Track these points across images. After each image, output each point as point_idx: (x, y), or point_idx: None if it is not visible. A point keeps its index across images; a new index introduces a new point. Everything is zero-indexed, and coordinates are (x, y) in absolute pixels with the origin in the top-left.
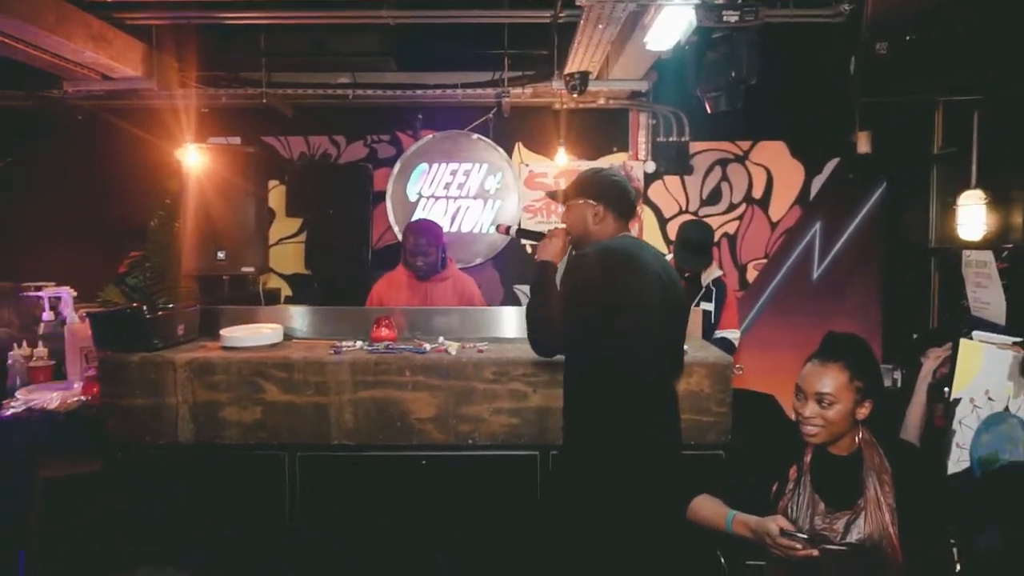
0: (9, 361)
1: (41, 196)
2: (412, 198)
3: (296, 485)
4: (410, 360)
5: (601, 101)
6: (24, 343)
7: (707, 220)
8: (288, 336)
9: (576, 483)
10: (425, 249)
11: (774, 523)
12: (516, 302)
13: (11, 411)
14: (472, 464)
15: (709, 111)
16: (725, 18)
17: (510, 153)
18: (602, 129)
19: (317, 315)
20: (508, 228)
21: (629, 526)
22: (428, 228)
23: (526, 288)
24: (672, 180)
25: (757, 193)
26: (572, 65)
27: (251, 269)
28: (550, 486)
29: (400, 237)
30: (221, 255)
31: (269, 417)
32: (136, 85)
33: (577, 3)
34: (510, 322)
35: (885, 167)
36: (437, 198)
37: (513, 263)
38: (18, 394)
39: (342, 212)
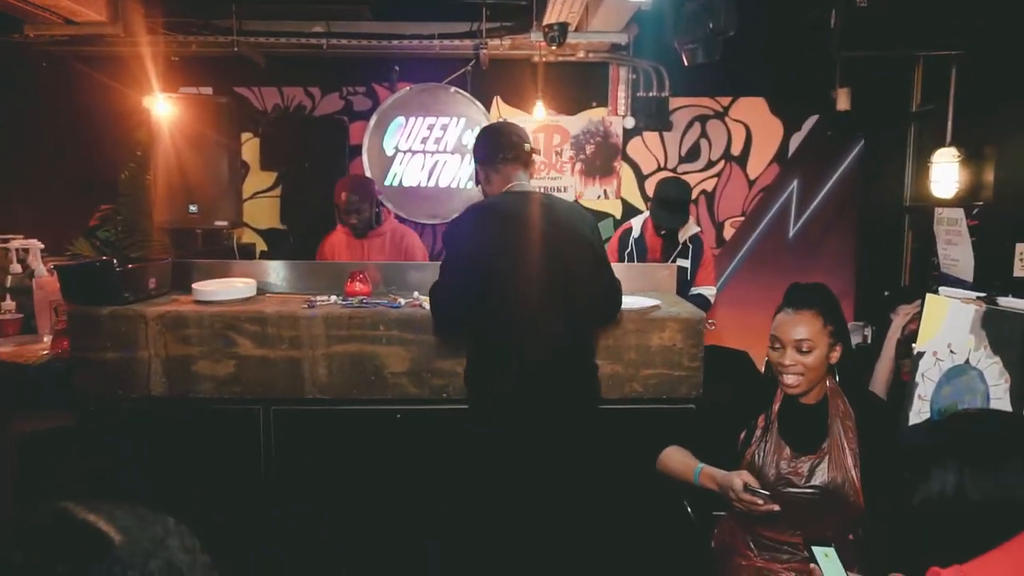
0: None
1: (5, 145)
2: (389, 152)
3: (271, 439)
4: (384, 314)
5: (580, 54)
6: None
7: (685, 177)
8: (262, 291)
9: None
10: (358, 206)
11: (738, 478)
12: None
13: None
14: (446, 417)
15: (686, 63)
16: None
17: (488, 107)
18: (581, 83)
19: (292, 270)
20: None
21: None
22: (359, 184)
23: None
24: (651, 136)
25: (736, 150)
26: (551, 16)
27: (224, 223)
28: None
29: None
30: (193, 208)
31: (243, 371)
32: (101, 30)
33: None
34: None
35: (864, 125)
36: (414, 152)
37: None
38: None
39: (317, 166)
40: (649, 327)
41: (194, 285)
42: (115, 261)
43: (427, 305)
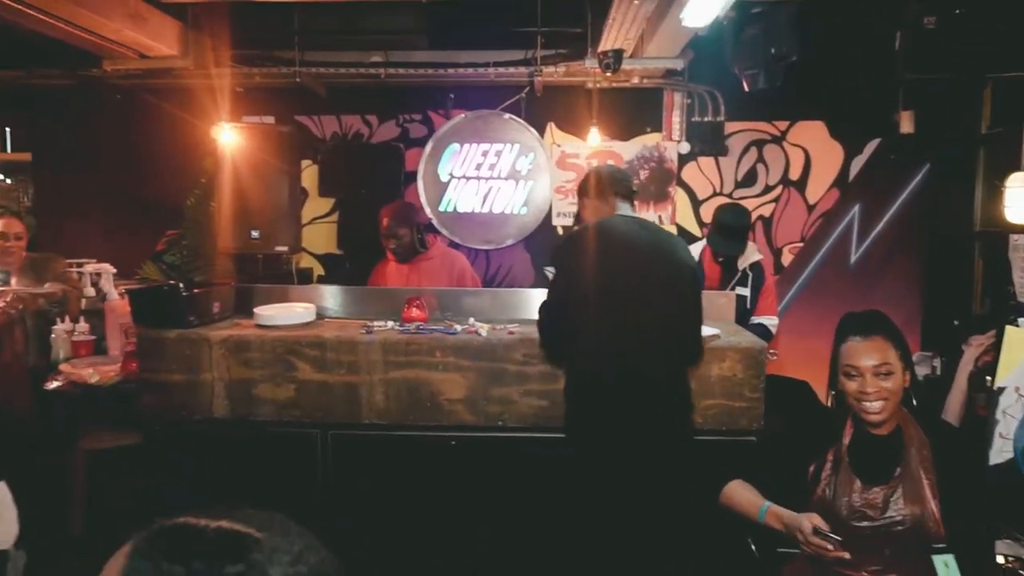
0: (52, 335)
1: (81, 174)
2: (443, 178)
3: (328, 463)
4: (441, 341)
5: (635, 80)
6: (67, 318)
7: (742, 203)
8: (320, 315)
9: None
10: (395, 231)
11: (808, 520)
12: (546, 284)
13: (55, 384)
14: (502, 445)
15: (746, 89)
16: None
17: (542, 133)
18: (635, 109)
19: (349, 295)
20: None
21: (611, 511)
22: (398, 210)
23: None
24: (706, 161)
25: (794, 175)
26: (606, 43)
27: (284, 248)
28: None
29: (432, 218)
30: (255, 234)
31: (302, 395)
32: (172, 64)
33: None
34: (539, 303)
35: (929, 148)
36: (468, 178)
37: (544, 245)
38: (61, 367)
39: (374, 192)
40: (708, 356)
41: (256, 310)
42: (181, 286)
43: (483, 332)
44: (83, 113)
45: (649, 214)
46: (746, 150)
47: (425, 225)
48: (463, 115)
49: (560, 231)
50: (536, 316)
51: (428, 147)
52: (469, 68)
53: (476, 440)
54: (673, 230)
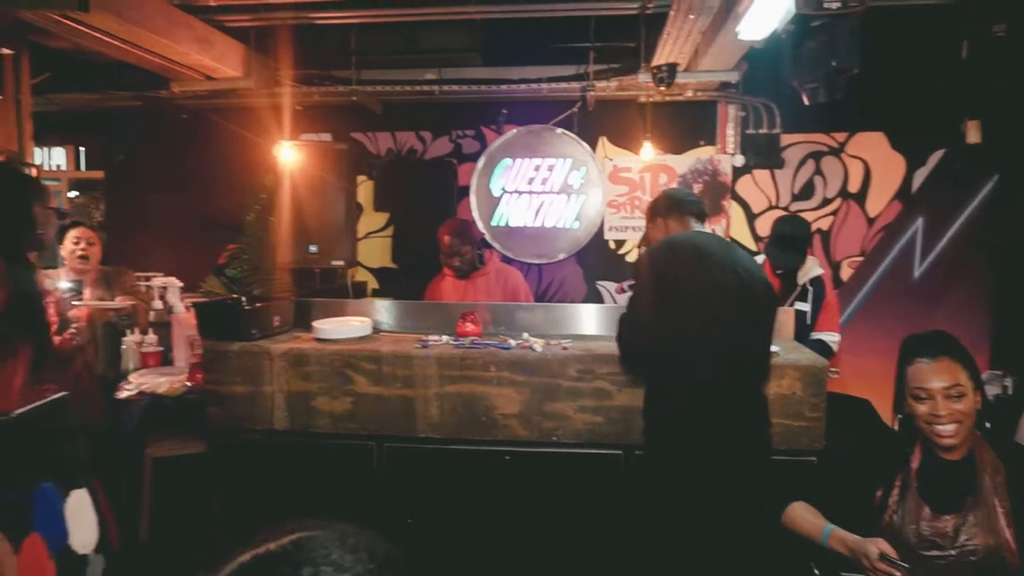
0: (123, 346)
1: (149, 191)
2: (496, 193)
3: (384, 475)
4: (495, 356)
5: (688, 93)
6: (136, 329)
7: (802, 215)
8: (376, 329)
9: (641, 485)
10: (459, 249)
11: (874, 546)
12: (599, 299)
13: (125, 393)
14: (555, 461)
15: (807, 103)
16: (826, 4)
17: (594, 147)
18: (689, 122)
19: (404, 309)
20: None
21: (686, 531)
22: (460, 227)
23: (609, 284)
24: (762, 174)
25: (853, 187)
26: (660, 57)
27: (341, 263)
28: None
29: (484, 232)
30: (313, 249)
31: (359, 408)
32: (236, 85)
33: None
34: (593, 319)
35: (997, 159)
36: (520, 193)
37: (596, 259)
38: (131, 377)
39: (428, 207)
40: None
41: (314, 323)
42: (244, 300)
43: (537, 347)
44: (151, 133)
45: (702, 227)
46: (803, 162)
47: (480, 240)
48: (515, 130)
49: (612, 245)
50: (589, 331)
51: (480, 162)
52: (522, 84)
53: (530, 455)
54: None
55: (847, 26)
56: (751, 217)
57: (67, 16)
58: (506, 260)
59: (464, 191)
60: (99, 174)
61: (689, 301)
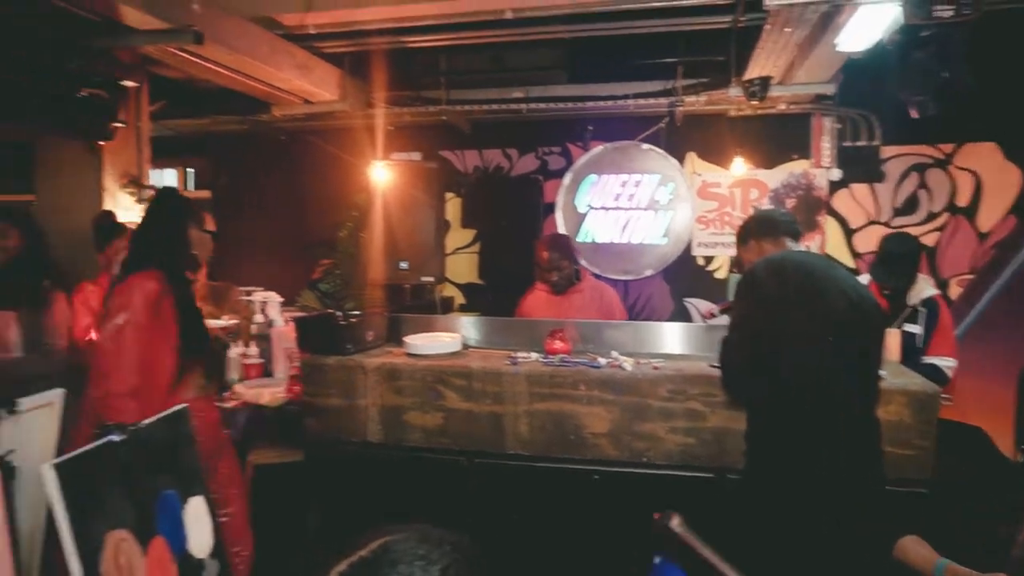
0: (227, 358)
1: (250, 209)
2: (582, 209)
3: (473, 490)
4: (585, 374)
5: (781, 106)
6: (239, 342)
7: (902, 231)
8: (465, 345)
9: (742, 511)
10: (558, 264)
11: None
12: (686, 316)
13: (230, 404)
14: (646, 482)
15: (915, 116)
16: (937, 13)
17: (682, 163)
18: (781, 135)
19: (492, 325)
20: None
21: (790, 561)
22: (559, 242)
23: (697, 301)
24: (860, 188)
25: (962, 201)
26: (752, 71)
27: (431, 279)
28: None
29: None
30: (404, 265)
31: (449, 423)
32: (332, 108)
33: (764, 6)
34: (683, 338)
35: None
36: (607, 209)
37: (684, 276)
38: (235, 388)
39: (514, 223)
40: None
41: (406, 339)
42: (340, 315)
43: (627, 366)
44: (252, 154)
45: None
46: (905, 175)
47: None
48: (601, 147)
49: (701, 261)
50: (678, 350)
51: (567, 178)
52: (608, 100)
53: (620, 475)
54: None
55: (958, 37)
56: (849, 233)
57: (183, 49)
58: (594, 276)
59: (550, 207)
60: (206, 193)
61: (797, 323)
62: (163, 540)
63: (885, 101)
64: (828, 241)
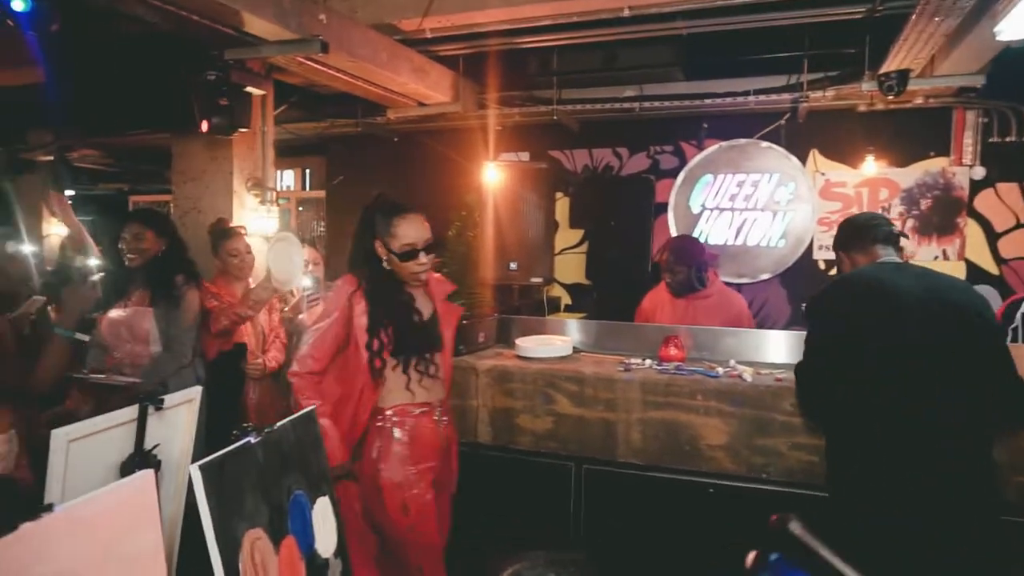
0: None
1: (361, 207)
2: (695, 210)
3: (581, 496)
4: (702, 384)
5: (918, 100)
6: None
7: None
8: (575, 348)
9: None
10: (673, 267)
11: None
12: (804, 323)
13: None
14: (763, 498)
15: None
16: None
17: (804, 161)
18: (916, 131)
19: (601, 329)
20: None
21: None
22: (679, 245)
23: None
24: (1008, 188)
25: None
26: (891, 63)
27: (540, 280)
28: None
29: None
30: (513, 266)
31: (559, 428)
32: (445, 109)
33: None
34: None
35: None
36: (722, 210)
37: (803, 280)
38: None
39: (623, 224)
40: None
41: (517, 341)
42: None
43: (747, 376)
44: (366, 155)
45: (930, 248)
46: None
47: (705, 263)
48: (717, 145)
49: (822, 265)
50: (794, 360)
51: (680, 178)
52: (727, 97)
53: (736, 490)
54: (961, 267)
55: None
56: (993, 236)
57: (309, 57)
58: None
59: (661, 207)
60: (320, 194)
61: (870, 348)
62: (293, 539)
63: None
64: (969, 246)
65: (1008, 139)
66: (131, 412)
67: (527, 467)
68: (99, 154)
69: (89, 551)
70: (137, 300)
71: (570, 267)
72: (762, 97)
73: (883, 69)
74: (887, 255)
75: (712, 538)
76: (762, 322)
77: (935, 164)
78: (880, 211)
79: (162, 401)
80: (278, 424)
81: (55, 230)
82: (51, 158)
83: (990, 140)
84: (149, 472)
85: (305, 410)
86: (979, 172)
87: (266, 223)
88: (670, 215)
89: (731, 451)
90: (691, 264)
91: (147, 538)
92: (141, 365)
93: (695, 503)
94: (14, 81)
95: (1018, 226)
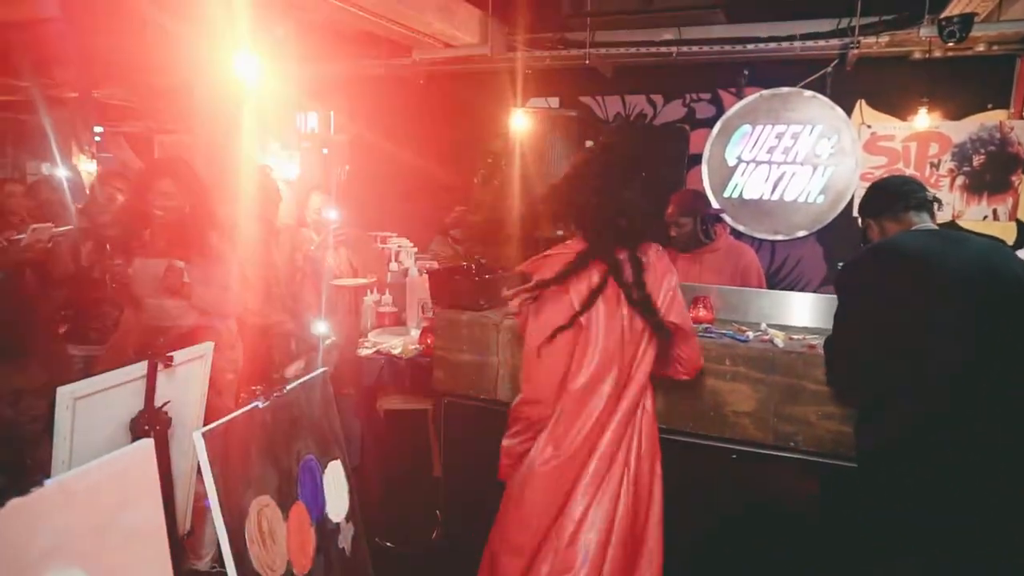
0: (362, 306)
1: (387, 152)
2: (731, 162)
3: None
4: (732, 348)
5: (980, 48)
6: (375, 289)
7: None
8: None
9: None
10: (677, 219)
11: None
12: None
13: (366, 351)
14: (790, 467)
15: None
16: None
17: (849, 112)
18: (975, 81)
19: None
20: None
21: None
22: (683, 197)
23: None
24: None
25: None
26: (954, 6)
27: (563, 232)
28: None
29: (714, 204)
30: None
31: None
32: (472, 51)
33: None
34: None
35: None
36: (759, 163)
37: (842, 239)
38: (369, 335)
39: (655, 174)
40: None
41: None
42: (473, 268)
43: (778, 341)
44: (390, 98)
45: (980, 207)
46: None
47: (712, 216)
48: (758, 94)
49: (862, 223)
50: (828, 324)
51: (716, 128)
52: (771, 43)
53: (760, 457)
54: (1011, 228)
55: None
56: None
57: None
58: (735, 234)
59: (696, 159)
60: (345, 136)
61: (901, 321)
62: (303, 505)
63: None
64: (1022, 205)
65: None
66: (139, 369)
67: None
68: (116, 91)
69: (85, 524)
70: None
71: None
72: (809, 43)
73: (945, 13)
74: (921, 223)
75: (733, 503)
76: (796, 281)
77: (992, 117)
78: (928, 167)
79: (170, 358)
80: (288, 387)
81: (84, 167)
82: (76, 94)
83: None
84: (148, 442)
85: (317, 372)
86: None
87: (289, 167)
88: (704, 167)
89: (758, 419)
90: (695, 216)
91: (147, 509)
92: None
93: (715, 467)
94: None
95: None
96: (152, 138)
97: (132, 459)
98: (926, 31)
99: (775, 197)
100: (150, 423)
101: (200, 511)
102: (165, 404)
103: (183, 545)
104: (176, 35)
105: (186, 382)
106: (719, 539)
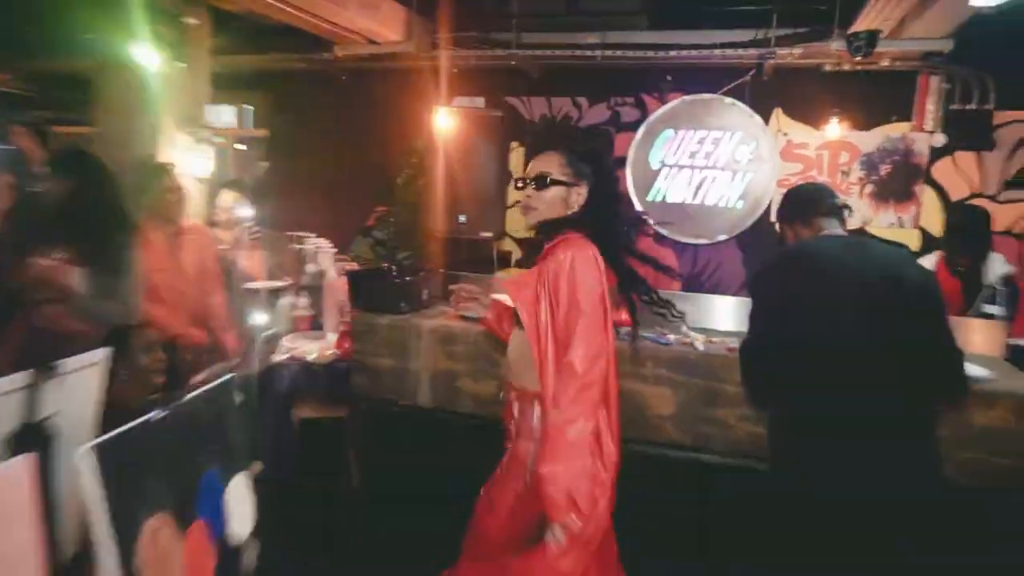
0: (277, 308)
1: (303, 149)
2: (654, 166)
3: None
4: (654, 351)
5: (884, 63)
6: (292, 293)
7: (1012, 207)
8: None
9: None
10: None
11: None
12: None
13: (280, 357)
14: (708, 468)
15: None
16: None
17: (767, 120)
18: (880, 94)
19: None
20: None
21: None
22: None
23: None
24: (965, 156)
25: None
26: (861, 23)
27: (490, 234)
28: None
29: (638, 207)
30: (462, 219)
31: (503, 392)
32: (396, 48)
33: None
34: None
35: None
36: (681, 167)
37: (759, 243)
38: (284, 341)
39: None
40: (972, 402)
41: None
42: (395, 272)
43: (699, 345)
44: (311, 94)
45: (887, 215)
46: (1021, 144)
47: (636, 220)
48: (680, 99)
49: (779, 229)
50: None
51: (640, 132)
52: (692, 50)
53: (680, 460)
54: (915, 235)
55: None
56: (948, 205)
57: None
58: (660, 238)
59: (620, 162)
60: (262, 132)
61: (806, 325)
62: (203, 523)
63: (1002, 61)
64: (924, 213)
65: (969, 106)
66: (24, 378)
67: (468, 432)
68: (10, 78)
69: None
70: None
71: (522, 221)
72: (728, 51)
73: (853, 28)
74: (831, 228)
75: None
76: (715, 284)
77: (896, 129)
78: (839, 175)
79: (55, 366)
80: (189, 396)
81: None
82: None
83: (952, 107)
84: (23, 460)
85: (223, 379)
86: (939, 139)
87: (200, 164)
88: (628, 171)
89: (677, 421)
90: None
91: (19, 535)
92: None
93: (636, 471)
94: None
95: (973, 195)
96: (47, 130)
97: (4, 480)
98: (836, 44)
99: (696, 201)
100: (29, 440)
101: None
102: (48, 417)
103: (68, 572)
104: (77, 19)
105: (77, 390)
106: (654, 541)
